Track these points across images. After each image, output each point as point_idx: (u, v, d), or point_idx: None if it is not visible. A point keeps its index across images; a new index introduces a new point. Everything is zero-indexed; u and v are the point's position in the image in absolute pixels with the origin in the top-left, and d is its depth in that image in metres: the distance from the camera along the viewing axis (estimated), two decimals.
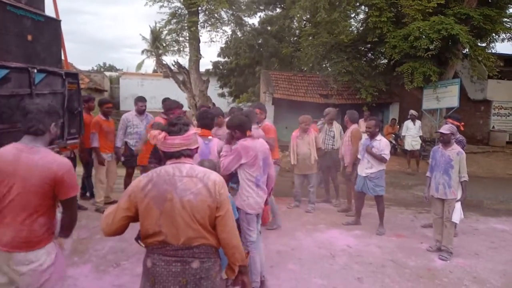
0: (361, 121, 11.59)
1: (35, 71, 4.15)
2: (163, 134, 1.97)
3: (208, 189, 1.90)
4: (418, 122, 10.69)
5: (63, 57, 5.13)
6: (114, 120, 6.55)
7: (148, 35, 13.69)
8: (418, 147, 10.83)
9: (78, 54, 73.33)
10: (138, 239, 2.03)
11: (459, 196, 4.74)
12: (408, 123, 10.77)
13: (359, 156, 5.86)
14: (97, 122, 5.76)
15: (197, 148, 2.09)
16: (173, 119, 2.10)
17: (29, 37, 4.18)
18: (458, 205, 4.79)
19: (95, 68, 37.82)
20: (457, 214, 4.70)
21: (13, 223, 2.06)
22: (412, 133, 10.44)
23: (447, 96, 11.60)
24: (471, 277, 4.26)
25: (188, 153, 2.00)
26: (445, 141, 4.79)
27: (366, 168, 5.59)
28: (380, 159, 5.45)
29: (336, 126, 6.82)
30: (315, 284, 3.92)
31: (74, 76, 5.04)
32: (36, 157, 2.08)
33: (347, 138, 6.35)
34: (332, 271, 4.27)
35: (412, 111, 10.87)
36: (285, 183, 8.00)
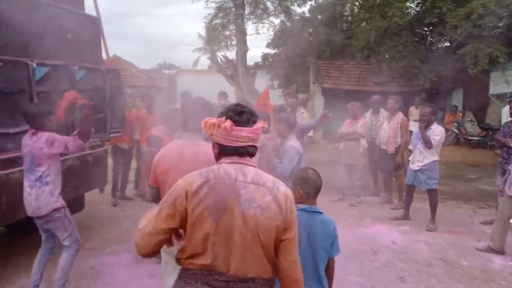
0: (412, 108, 10.81)
1: (76, 68, 4.36)
2: (229, 122, 1.55)
3: (278, 203, 1.50)
4: None
5: (105, 54, 5.35)
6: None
7: (203, 33, 13.99)
8: None
9: (139, 55, 77.76)
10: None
11: None
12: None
13: (410, 147, 5.44)
14: (138, 116, 5.99)
15: (257, 147, 1.70)
16: (235, 105, 1.68)
17: (69, 36, 4.38)
18: None
19: (156, 67, 39.65)
20: None
21: None
22: None
23: None
24: None
25: (253, 151, 1.61)
26: None
27: (417, 161, 5.15)
28: (426, 141, 5.00)
29: (384, 114, 6.39)
30: (351, 282, 3.68)
31: (115, 72, 5.23)
32: (199, 149, 2.22)
33: (394, 126, 5.93)
34: (372, 268, 3.99)
35: None
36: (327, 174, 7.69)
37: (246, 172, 1.54)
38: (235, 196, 1.48)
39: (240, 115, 1.58)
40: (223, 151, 1.60)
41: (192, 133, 2.33)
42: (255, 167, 1.61)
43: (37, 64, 3.75)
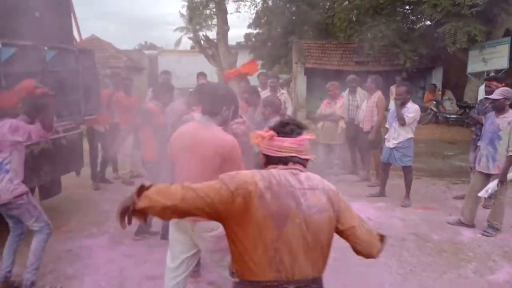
0: (393, 87, 10.91)
1: (46, 48, 4.22)
2: (271, 133, 1.63)
3: (331, 202, 1.58)
4: None
5: (77, 34, 5.18)
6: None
7: (184, 11, 13.57)
8: None
9: (120, 35, 75.32)
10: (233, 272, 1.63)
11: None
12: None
13: (386, 126, 5.53)
14: (116, 99, 5.88)
15: (308, 160, 1.70)
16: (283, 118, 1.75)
17: (37, 14, 4.22)
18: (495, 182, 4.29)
19: (137, 47, 38.55)
20: (486, 189, 4.24)
21: None
22: None
23: (496, 57, 10.57)
24: (501, 252, 3.91)
25: (297, 161, 1.64)
26: (498, 107, 4.26)
27: (393, 139, 5.26)
28: (400, 118, 5.11)
29: (361, 94, 6.43)
30: None
31: (88, 53, 5.10)
32: (210, 134, 2.29)
33: (371, 104, 6.00)
34: (347, 244, 4.08)
35: None
36: None
37: (301, 179, 1.58)
38: (297, 204, 1.52)
39: (284, 126, 1.65)
40: (268, 161, 1.66)
41: (209, 117, 2.40)
42: (304, 171, 1.66)
43: (3, 44, 3.61)
